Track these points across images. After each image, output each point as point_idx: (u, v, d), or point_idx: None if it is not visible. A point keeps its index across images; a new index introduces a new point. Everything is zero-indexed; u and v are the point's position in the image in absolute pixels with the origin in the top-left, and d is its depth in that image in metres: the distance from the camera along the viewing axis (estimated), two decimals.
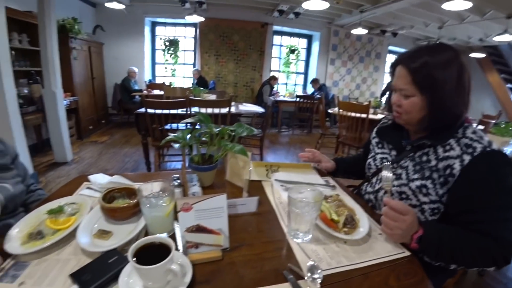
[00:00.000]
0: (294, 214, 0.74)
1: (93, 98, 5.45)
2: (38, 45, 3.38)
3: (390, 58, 8.09)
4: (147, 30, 6.64)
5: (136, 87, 6.02)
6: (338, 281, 0.63)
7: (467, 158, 0.79)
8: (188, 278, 0.58)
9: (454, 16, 5.34)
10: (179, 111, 2.77)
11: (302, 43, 7.79)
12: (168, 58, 6.97)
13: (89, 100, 5.26)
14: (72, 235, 0.71)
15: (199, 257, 0.66)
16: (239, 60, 7.08)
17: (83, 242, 0.68)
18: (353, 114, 3.46)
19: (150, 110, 2.69)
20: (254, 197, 0.91)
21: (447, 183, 0.82)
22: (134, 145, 4.61)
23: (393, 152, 1.04)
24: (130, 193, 0.86)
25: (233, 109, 3.13)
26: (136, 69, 6.07)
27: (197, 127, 1.12)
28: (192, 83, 6.42)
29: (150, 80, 6.82)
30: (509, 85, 7.45)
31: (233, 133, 1.05)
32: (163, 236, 0.62)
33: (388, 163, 0.88)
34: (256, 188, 1.07)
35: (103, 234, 0.73)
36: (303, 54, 7.84)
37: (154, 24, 6.89)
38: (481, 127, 3.83)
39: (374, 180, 1.08)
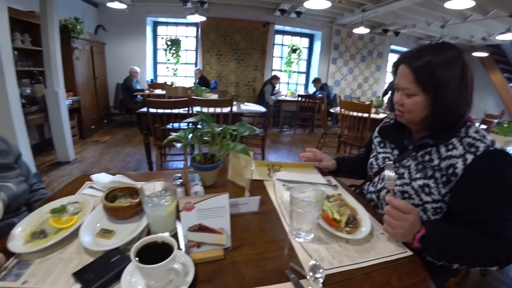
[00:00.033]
0: (296, 213, 0.74)
1: (95, 97, 5.47)
2: (40, 45, 3.39)
3: (392, 58, 8.06)
4: (149, 29, 6.65)
5: (138, 87, 6.03)
6: (340, 281, 0.63)
7: (470, 157, 0.79)
8: (190, 277, 0.58)
9: (456, 15, 5.32)
10: (181, 110, 2.77)
11: (303, 42, 7.77)
12: (170, 58, 6.98)
13: (91, 99, 5.28)
14: (74, 234, 0.71)
15: (201, 256, 0.66)
16: (240, 60, 7.07)
17: (85, 241, 0.68)
18: (355, 114, 3.46)
19: (152, 110, 2.70)
20: (256, 197, 0.91)
21: (450, 182, 0.82)
22: (136, 145, 4.62)
23: (395, 152, 1.04)
24: (132, 192, 0.86)
25: (235, 109, 3.13)
26: (138, 69, 6.09)
27: (199, 126, 1.12)
28: (194, 83, 6.43)
29: (152, 79, 6.83)
30: None
31: (235, 133, 1.05)
32: (165, 235, 0.62)
33: (391, 162, 0.88)
34: (258, 187, 1.07)
35: (105, 233, 0.73)
36: (304, 54, 7.83)
37: (156, 24, 6.90)
38: (483, 126, 3.81)
39: (376, 179, 1.07)
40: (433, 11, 5.24)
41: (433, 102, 0.84)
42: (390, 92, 5.94)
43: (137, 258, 0.54)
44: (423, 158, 0.90)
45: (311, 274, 0.62)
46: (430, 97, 0.83)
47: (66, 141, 3.67)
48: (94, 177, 1.04)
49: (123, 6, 4.79)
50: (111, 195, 0.83)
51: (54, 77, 3.42)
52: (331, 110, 4.64)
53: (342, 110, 3.61)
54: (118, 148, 4.45)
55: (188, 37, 7.06)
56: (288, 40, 7.62)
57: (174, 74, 7.16)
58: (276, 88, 6.80)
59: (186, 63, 7.22)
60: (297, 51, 7.60)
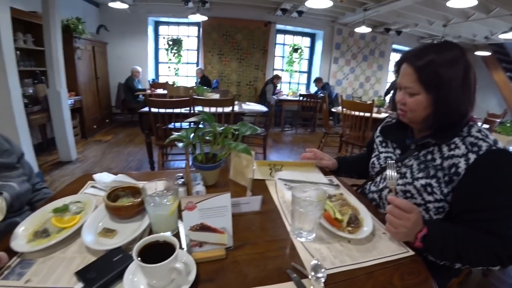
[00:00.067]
0: (298, 213, 0.74)
1: (97, 97, 5.48)
2: (42, 45, 3.40)
3: (394, 57, 8.04)
4: (150, 29, 6.67)
5: (140, 87, 6.04)
6: (341, 280, 0.63)
7: (472, 156, 0.78)
8: (192, 277, 0.58)
9: (459, 13, 5.29)
10: (183, 110, 2.77)
11: (305, 41, 7.76)
12: (171, 57, 6.99)
13: (93, 99, 5.30)
14: (77, 233, 0.72)
15: (203, 255, 0.66)
16: (242, 59, 7.08)
17: (88, 240, 0.68)
18: (356, 113, 3.45)
19: (153, 109, 2.70)
20: (257, 196, 0.91)
21: (452, 182, 0.82)
22: (138, 144, 4.63)
23: (397, 151, 1.03)
24: (134, 192, 0.86)
25: (236, 108, 3.13)
26: (139, 69, 6.10)
27: (200, 126, 1.12)
28: (196, 82, 6.44)
29: (153, 79, 6.84)
30: None
31: (236, 132, 1.05)
32: (167, 235, 0.62)
33: (392, 161, 0.88)
34: (259, 187, 1.07)
35: (107, 232, 0.73)
36: (306, 53, 7.82)
37: (157, 24, 6.91)
38: (486, 126, 3.79)
39: (378, 179, 1.07)
40: (435, 10, 5.22)
41: (436, 101, 0.83)
42: (392, 92, 5.92)
43: (139, 258, 0.54)
44: (425, 158, 0.90)
45: (312, 273, 0.62)
46: (432, 96, 0.83)
47: (68, 141, 3.69)
48: (96, 176, 1.04)
49: (124, 6, 4.80)
50: (113, 194, 0.84)
51: (56, 77, 3.44)
52: (333, 110, 4.64)
53: (344, 109, 3.60)
54: (120, 148, 4.46)
55: (190, 36, 7.07)
56: (290, 39, 7.61)
57: (176, 74, 7.17)
58: (278, 88, 6.80)
59: (187, 63, 7.23)
60: (299, 51, 7.59)
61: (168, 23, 6.94)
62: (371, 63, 7.93)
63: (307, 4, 4.13)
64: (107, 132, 5.47)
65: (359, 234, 0.77)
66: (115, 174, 1.07)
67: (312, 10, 5.67)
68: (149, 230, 0.76)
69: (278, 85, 6.78)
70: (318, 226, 0.78)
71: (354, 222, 0.80)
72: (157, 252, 0.55)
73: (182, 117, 2.74)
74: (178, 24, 6.95)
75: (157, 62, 7.16)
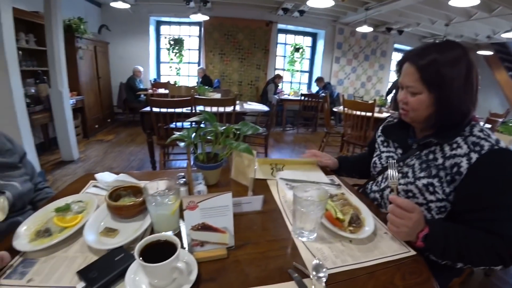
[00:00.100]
0: (299, 212, 0.74)
1: (98, 97, 5.49)
2: (44, 45, 3.41)
3: (396, 56, 8.02)
4: (152, 29, 6.67)
5: (141, 86, 6.05)
6: (343, 280, 0.63)
7: (474, 156, 0.78)
8: (193, 276, 0.58)
9: (461, 13, 5.27)
10: (184, 109, 2.78)
11: (307, 41, 7.75)
12: (173, 57, 6.99)
13: (95, 99, 5.31)
14: (79, 232, 0.72)
15: (205, 255, 0.66)
16: (243, 59, 7.07)
17: (89, 239, 0.68)
18: (358, 113, 3.44)
19: (155, 109, 2.71)
20: (259, 196, 0.91)
21: (454, 181, 0.81)
22: (140, 144, 4.64)
23: (399, 151, 1.03)
24: (136, 191, 0.87)
25: (238, 108, 3.13)
26: (141, 68, 6.11)
27: (202, 125, 1.12)
28: (197, 82, 6.44)
29: (155, 79, 6.85)
30: None
31: (238, 132, 1.05)
32: (169, 234, 0.62)
33: (394, 161, 0.88)
34: (261, 186, 1.07)
35: (109, 232, 0.73)
36: (307, 53, 7.81)
37: (159, 23, 6.92)
38: (488, 125, 3.78)
39: (379, 178, 1.07)
40: (437, 9, 5.20)
41: (438, 101, 0.83)
42: (394, 91, 5.91)
43: (140, 257, 0.54)
44: (427, 157, 0.89)
45: (314, 273, 0.62)
46: (434, 95, 0.83)
47: (70, 140, 3.70)
48: (98, 176, 1.05)
49: (126, 5, 4.81)
50: (115, 194, 0.84)
51: (58, 76, 3.45)
52: (334, 109, 4.63)
53: (345, 109, 3.60)
54: (121, 147, 4.47)
55: (191, 36, 7.08)
56: (291, 39, 7.60)
57: (177, 74, 7.17)
58: (279, 87, 6.80)
59: (189, 62, 7.24)
60: (300, 50, 7.57)
61: (169, 23, 6.95)
62: (373, 62, 7.91)
63: (308, 3, 4.12)
64: (109, 132, 5.48)
65: (360, 233, 0.77)
66: (117, 173, 1.07)
67: (314, 9, 5.66)
68: (151, 230, 0.76)
69: (280, 84, 6.77)
70: (320, 226, 0.78)
71: (356, 221, 0.80)
72: (159, 252, 0.55)
73: (183, 116, 2.74)
74: (179, 23, 6.95)
75: (158, 62, 7.17)
